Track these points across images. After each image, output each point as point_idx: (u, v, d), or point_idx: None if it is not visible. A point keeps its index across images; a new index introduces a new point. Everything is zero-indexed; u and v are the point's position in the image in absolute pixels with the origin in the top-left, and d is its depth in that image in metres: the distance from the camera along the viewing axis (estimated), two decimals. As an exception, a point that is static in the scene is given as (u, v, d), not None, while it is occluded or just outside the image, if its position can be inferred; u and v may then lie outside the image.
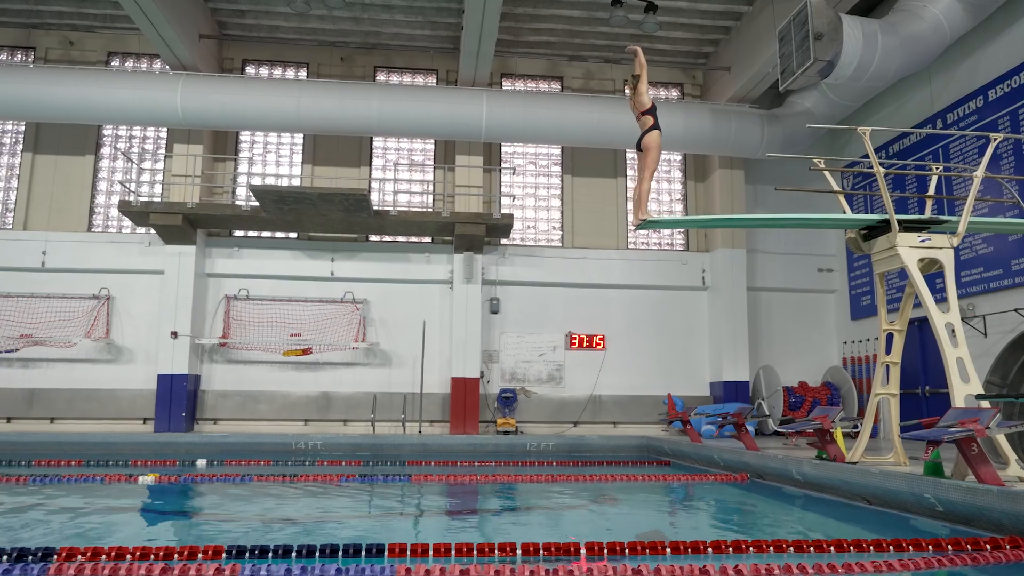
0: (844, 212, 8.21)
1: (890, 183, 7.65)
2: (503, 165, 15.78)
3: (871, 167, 7.23)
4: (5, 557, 3.90)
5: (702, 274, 15.53)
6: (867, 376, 14.11)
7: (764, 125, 14.04)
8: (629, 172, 16.14)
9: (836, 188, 8.01)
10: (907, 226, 7.09)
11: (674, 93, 16.48)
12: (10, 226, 14.66)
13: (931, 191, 8.05)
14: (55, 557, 3.94)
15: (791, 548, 4.51)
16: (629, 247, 15.85)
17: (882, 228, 7.27)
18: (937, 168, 9.70)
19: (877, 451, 8.22)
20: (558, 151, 16.05)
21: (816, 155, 8.17)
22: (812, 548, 4.52)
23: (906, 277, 7.08)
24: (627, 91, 7.15)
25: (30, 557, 3.92)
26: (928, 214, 7.57)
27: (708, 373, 15.37)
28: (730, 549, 4.47)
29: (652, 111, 7.09)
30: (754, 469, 8.66)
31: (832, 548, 4.53)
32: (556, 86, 16.19)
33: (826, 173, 7.99)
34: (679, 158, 16.39)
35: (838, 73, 10.88)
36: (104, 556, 4.00)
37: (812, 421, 7.74)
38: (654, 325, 15.40)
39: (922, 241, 7.03)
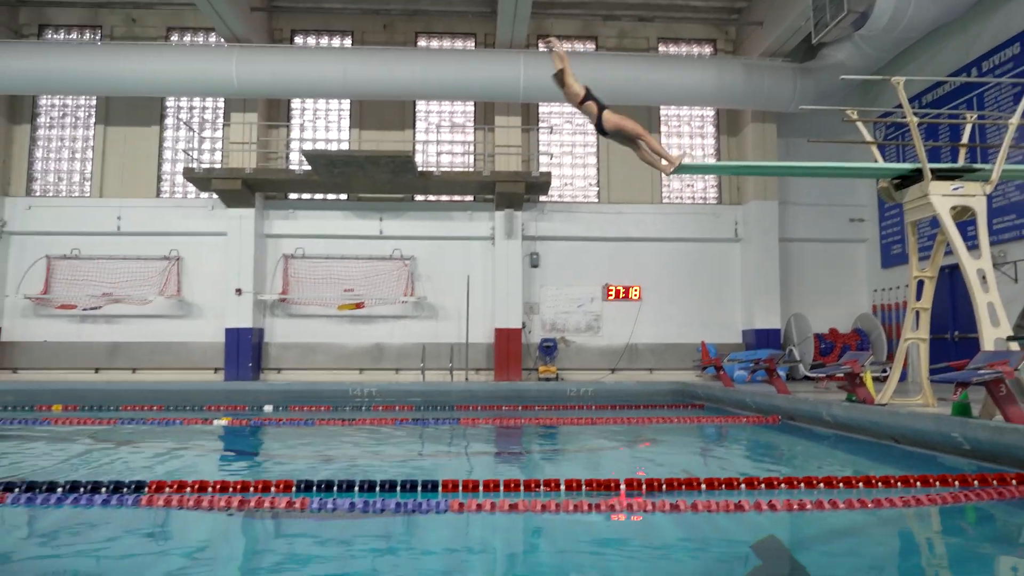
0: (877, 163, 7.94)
1: (923, 133, 7.35)
2: (540, 125, 15.59)
3: (904, 117, 6.95)
4: (104, 489, 4.14)
5: (735, 226, 15.26)
6: (896, 322, 13.82)
7: (796, 78, 13.56)
8: (663, 128, 15.80)
9: (869, 139, 7.73)
10: (940, 174, 6.83)
11: (707, 49, 15.97)
12: (88, 194, 15.10)
13: (964, 140, 7.71)
14: (146, 489, 4.16)
15: (821, 484, 4.51)
16: (663, 201, 15.63)
17: (914, 177, 7.02)
18: (971, 116, 9.27)
19: (905, 394, 8.08)
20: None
21: (849, 107, 7.86)
22: (841, 484, 4.52)
23: (938, 225, 6.86)
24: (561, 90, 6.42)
25: (125, 489, 4.14)
26: (961, 163, 7.27)
27: (740, 321, 15.22)
28: (763, 485, 4.49)
29: (589, 95, 6.42)
30: (785, 412, 8.62)
31: (861, 484, 4.52)
32: (591, 46, 15.83)
33: (859, 124, 7.69)
34: (711, 113, 15.97)
35: (872, 24, 10.41)
36: (188, 488, 4.20)
37: (842, 365, 7.63)
38: (688, 276, 15.25)
39: (954, 189, 6.77)
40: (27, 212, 14.73)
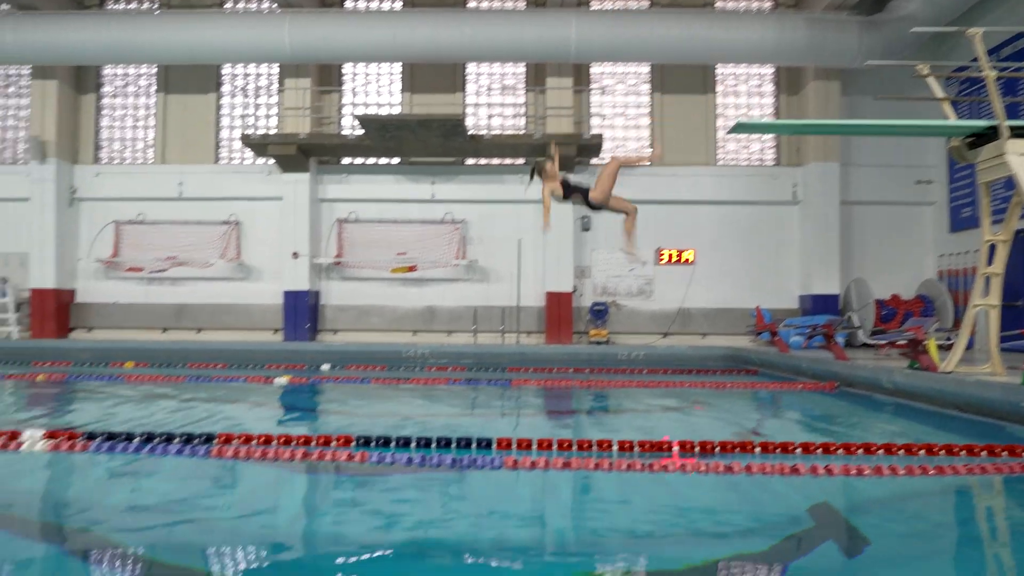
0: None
1: (1000, 88, 6.95)
2: (592, 86, 15.32)
3: (979, 72, 6.58)
4: (176, 440, 4.37)
5: (793, 188, 14.81)
6: (964, 289, 13.27)
7: (862, 33, 12.92)
8: (719, 88, 15.35)
9: (941, 95, 7.36)
10: (1017, 132, 6.47)
11: (767, 3, 15.35)
12: (152, 161, 15.59)
13: (1047, 94, 7.27)
14: (216, 440, 4.37)
15: (880, 451, 4.43)
16: (719, 163, 15.25)
17: (990, 135, 6.67)
18: (1055, 69, 8.72)
19: (971, 362, 7.81)
20: (647, 69, 15.40)
21: (920, 61, 7.48)
22: (902, 451, 4.42)
23: (1013, 187, 6.53)
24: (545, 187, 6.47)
25: (195, 440, 4.36)
26: (1042, 118, 6.87)
27: (797, 286, 14.86)
28: (819, 451, 4.43)
29: (565, 183, 6.56)
30: (843, 378, 8.43)
31: (923, 452, 4.42)
32: (644, 2, 15.38)
33: (930, 80, 7.34)
34: (770, 71, 15.40)
35: (947, -29, 9.80)
36: (254, 440, 4.40)
37: (905, 332, 7.43)
38: (743, 240, 14.93)
39: (1033, 147, 6.41)
40: (95, 179, 15.32)
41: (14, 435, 4.52)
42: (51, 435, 4.52)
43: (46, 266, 14.73)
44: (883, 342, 8.32)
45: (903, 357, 8.36)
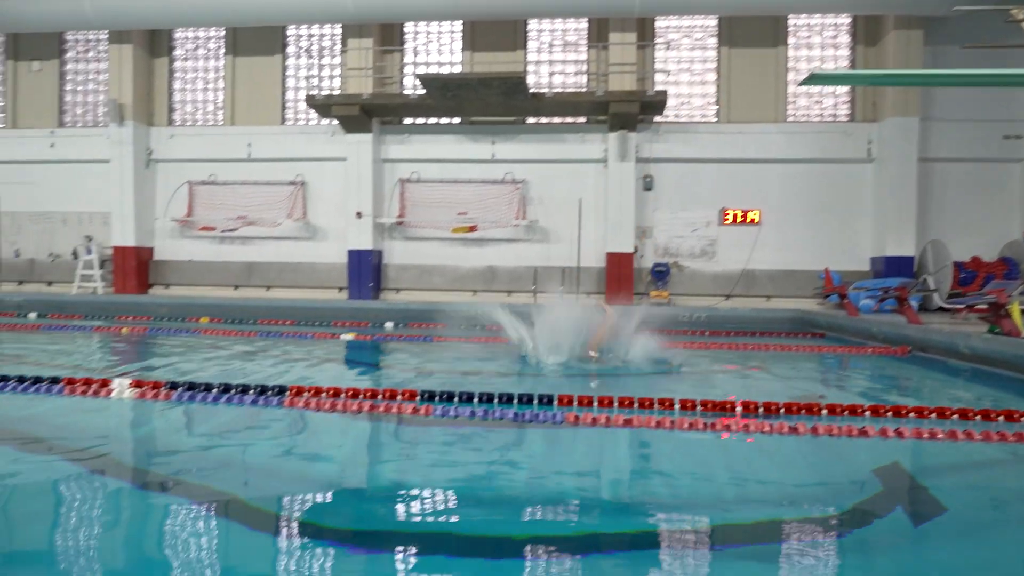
0: (1044, 68, 7.04)
1: (1106, 31, 6.41)
2: (657, 40, 14.86)
3: (1084, 14, 6.08)
4: (251, 391, 4.57)
5: (868, 145, 14.13)
6: (1053, 251, 12.51)
7: (951, -24, 12.06)
8: (790, 40, 14.67)
9: (1037, 41, 6.85)
10: (1123, 80, 5.98)
11: (846, -52, 14.46)
12: (221, 122, 16.02)
13: None
14: (287, 392, 4.55)
15: (955, 416, 4.28)
16: (788, 120, 14.66)
17: (1091, 84, 6.19)
18: None
19: (1059, 327, 7.39)
20: (714, 21, 14.83)
21: (1013, 6, 6.96)
22: (979, 417, 4.26)
23: (1116, 139, 6.05)
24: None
25: (269, 392, 4.56)
26: None
27: (869, 248, 14.29)
28: (889, 414, 4.31)
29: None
30: (916, 343, 8.12)
31: (1001, 418, 4.25)
32: (714, -49, 14.71)
33: (1025, 25, 6.83)
34: (847, 21, 14.60)
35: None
36: (324, 393, 4.56)
37: (986, 295, 7.08)
38: (812, 200, 14.40)
39: None
40: (170, 140, 15.86)
41: (104, 383, 4.82)
42: (137, 384, 4.80)
43: (126, 225, 15.44)
44: (961, 305, 7.96)
45: (982, 322, 7.98)
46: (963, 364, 7.06)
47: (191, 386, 4.69)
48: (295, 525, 2.46)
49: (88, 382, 4.82)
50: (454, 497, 2.86)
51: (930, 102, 13.92)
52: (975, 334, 7.02)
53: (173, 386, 4.71)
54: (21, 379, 4.85)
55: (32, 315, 11.54)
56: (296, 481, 3.07)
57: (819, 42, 14.75)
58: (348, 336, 9.03)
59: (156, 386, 4.73)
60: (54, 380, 4.84)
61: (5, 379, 4.86)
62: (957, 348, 7.22)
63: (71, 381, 4.82)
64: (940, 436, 3.81)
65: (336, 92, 15.47)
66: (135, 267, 15.44)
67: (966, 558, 2.35)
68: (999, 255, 13.55)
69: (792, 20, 14.62)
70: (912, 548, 2.42)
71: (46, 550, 2.27)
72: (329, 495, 2.91)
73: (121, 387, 4.73)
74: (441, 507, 2.74)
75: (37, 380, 4.83)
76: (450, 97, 13.60)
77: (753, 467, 3.45)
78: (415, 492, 2.93)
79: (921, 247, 13.74)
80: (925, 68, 13.55)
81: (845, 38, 14.69)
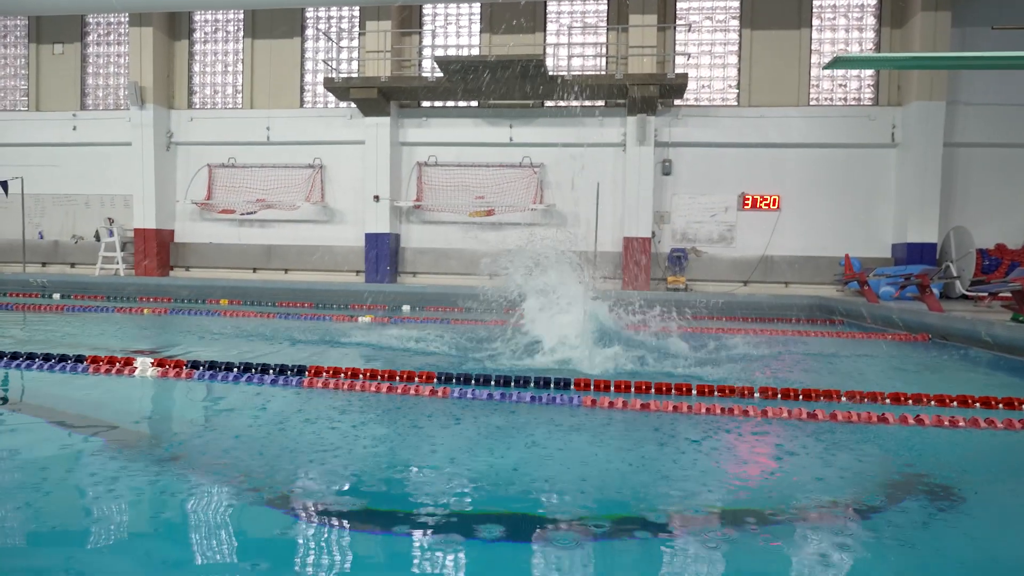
0: (1076, 51, 6.86)
1: None
2: (678, 22, 14.67)
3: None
4: (272, 371, 4.62)
5: (892, 130, 13.90)
6: (1080, 238, 12.27)
7: (981, -44, 11.78)
8: (815, 22, 14.41)
9: (1069, 23, 6.67)
10: None
11: (873, -73, 14.16)
12: (240, 106, 16.08)
13: None
14: (307, 373, 4.60)
15: (977, 404, 4.23)
16: (811, 103, 14.45)
17: (1125, 67, 6.03)
18: None
19: (1085, 315, 7.26)
20: (736, 3, 14.60)
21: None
22: (1001, 405, 4.21)
23: None
24: None
25: (289, 372, 4.61)
26: None
27: (891, 234, 14.10)
28: (909, 401, 4.27)
29: None
30: (937, 330, 8.02)
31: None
32: (737, -69, 14.47)
33: (1058, 5, 6.65)
34: (873, 2, 14.31)
35: None
36: (342, 374, 4.60)
37: (1010, 283, 6.96)
38: (834, 185, 14.21)
39: None
40: (189, 123, 15.96)
41: (128, 362, 4.89)
42: (160, 363, 4.87)
43: (147, 207, 15.59)
44: (984, 293, 7.84)
45: (1006, 309, 7.87)
46: (985, 352, 6.97)
47: (212, 365, 4.75)
48: (311, 505, 2.49)
49: (112, 360, 4.89)
50: (462, 480, 2.87)
51: (957, 85, 13.65)
52: (998, 322, 6.92)
53: (194, 365, 4.77)
54: (47, 357, 4.93)
55: (56, 296, 11.71)
56: (309, 460, 3.10)
57: (844, 24, 14.49)
58: (366, 318, 9.08)
59: (178, 365, 4.80)
60: (79, 359, 4.92)
61: (32, 356, 4.94)
62: (979, 335, 7.12)
63: (96, 360, 4.90)
64: (961, 424, 3.77)
65: (354, 75, 15.46)
66: (156, 249, 15.61)
67: (983, 549, 2.33)
68: (1024, 242, 13.33)
69: (816, 1, 14.38)
70: (929, 539, 2.40)
71: (69, 526, 2.32)
72: (342, 474, 2.94)
73: (144, 366, 4.80)
74: (449, 489, 2.76)
75: (63, 358, 4.92)
76: (468, 80, 13.54)
77: (770, 453, 3.43)
78: (425, 473, 2.96)
79: (944, 234, 13.53)
80: (953, 51, 13.27)
81: (871, 20, 14.41)
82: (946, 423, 3.79)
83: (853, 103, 14.46)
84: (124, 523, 2.33)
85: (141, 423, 3.80)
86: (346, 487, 2.74)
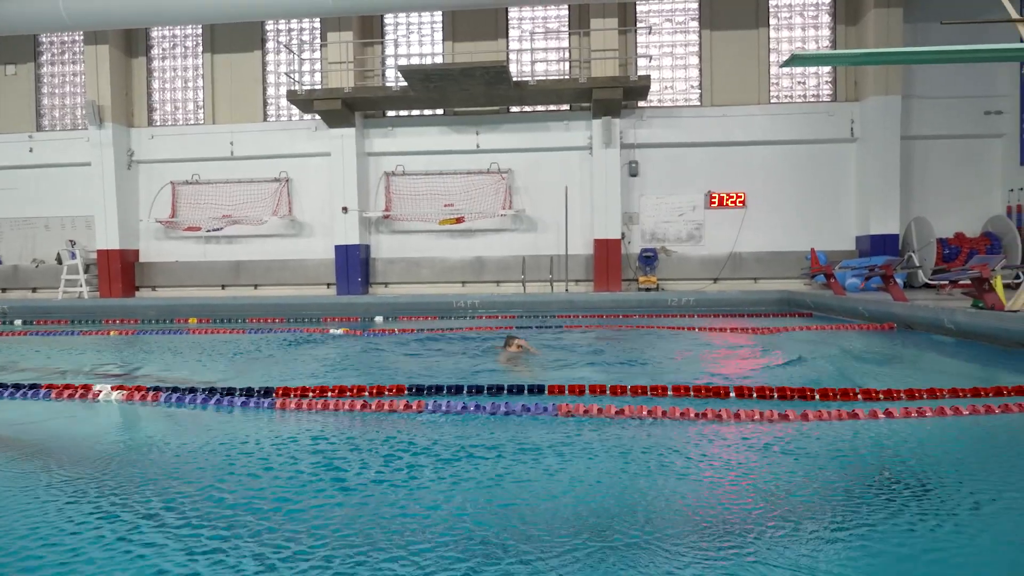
0: None
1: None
2: (639, 25, 14.77)
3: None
4: (238, 393, 4.50)
5: (851, 125, 14.14)
6: (1034, 224, 12.58)
7: (929, -48, 12.05)
8: (772, 21, 14.61)
9: (1015, 15, 6.83)
10: (1102, 52, 5.98)
11: (824, -73, 14.40)
12: (203, 121, 15.81)
13: None
14: (275, 394, 4.48)
15: (946, 395, 4.27)
16: (772, 101, 14.64)
17: (1070, 57, 6.18)
18: None
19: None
20: (695, 4, 14.75)
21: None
22: (968, 395, 4.26)
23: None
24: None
25: (256, 393, 4.49)
26: None
27: (854, 227, 14.33)
28: (880, 396, 4.30)
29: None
30: (902, 319, 8.15)
31: (990, 394, 4.25)
32: (693, -66, 14.62)
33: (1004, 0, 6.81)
34: (827, 0, 14.55)
35: None
36: (311, 393, 4.50)
37: (969, 270, 7.09)
38: (797, 180, 14.41)
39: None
40: (151, 141, 15.64)
41: (87, 388, 4.73)
42: (122, 388, 4.72)
43: (110, 228, 15.24)
44: (945, 281, 7.98)
45: (967, 296, 8.01)
46: (948, 339, 7.09)
47: (176, 389, 4.61)
48: (269, 535, 2.41)
49: (74, 387, 4.73)
50: (441, 501, 2.81)
51: (911, 80, 13.94)
52: (959, 309, 7.04)
53: (157, 389, 4.63)
54: (3, 385, 4.75)
55: (18, 322, 11.38)
56: (278, 483, 3.00)
57: (800, 22, 14.71)
58: (338, 331, 8.95)
59: (141, 389, 4.65)
60: (37, 386, 4.75)
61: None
62: (942, 323, 7.24)
63: (57, 386, 4.74)
64: (929, 414, 3.80)
65: (317, 87, 15.30)
66: (120, 270, 15.26)
67: (960, 541, 2.33)
68: (982, 230, 13.63)
69: (773, 1, 14.58)
70: (906, 534, 2.39)
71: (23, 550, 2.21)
72: (313, 499, 2.85)
73: (106, 391, 4.65)
74: (427, 510, 2.69)
75: (17, 387, 4.74)
76: (432, 88, 13.47)
77: (747, 453, 3.41)
78: (398, 493, 2.88)
79: (905, 225, 13.79)
80: (906, 45, 13.54)
81: (826, 18, 14.66)
82: (914, 414, 3.81)
83: (812, 99, 14.68)
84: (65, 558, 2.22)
85: (98, 450, 3.66)
86: (309, 511, 2.65)
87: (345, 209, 14.62)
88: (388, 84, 15.26)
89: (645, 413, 3.91)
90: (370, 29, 15.28)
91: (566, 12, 14.92)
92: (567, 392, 4.41)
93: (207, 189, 15.40)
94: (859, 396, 4.25)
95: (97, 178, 15.21)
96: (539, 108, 15.00)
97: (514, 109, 15.04)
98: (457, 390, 4.53)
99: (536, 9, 14.93)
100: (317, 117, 14.77)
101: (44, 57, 16.27)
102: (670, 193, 14.67)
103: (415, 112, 15.17)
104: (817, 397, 4.26)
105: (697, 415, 3.87)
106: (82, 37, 15.45)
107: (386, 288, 15.23)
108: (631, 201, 14.68)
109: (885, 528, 2.38)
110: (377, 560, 2.18)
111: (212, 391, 4.54)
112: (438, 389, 4.54)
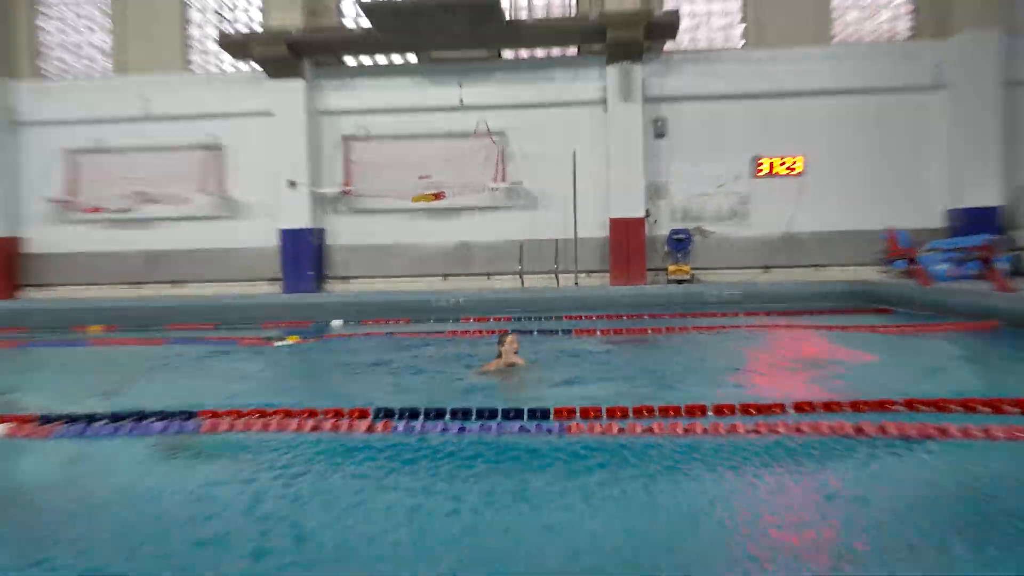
0: None
1: None
2: (665, -56, 14.76)
3: None
4: (150, 419, 4.47)
5: (936, 68, 14.13)
6: None
7: None
8: (835, -63, 14.62)
9: None
10: None
11: None
12: (109, 72, 15.72)
13: None
14: (197, 417, 4.45)
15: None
16: (834, 40, 14.65)
17: None
18: None
19: None
20: (737, -82, 14.76)
21: None
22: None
23: None
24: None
25: (174, 418, 4.46)
26: None
27: (943, 199, 14.33)
28: (977, 408, 4.28)
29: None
30: (1006, 315, 8.15)
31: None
32: None
33: None
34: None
35: None
36: (245, 417, 4.46)
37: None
38: (868, 140, 14.41)
39: None
40: (40, 97, 15.53)
41: (-38, 415, 4.67)
42: (1, 420, 4.66)
43: (-11, 210, 15.19)
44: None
45: (1090, 285, 8.00)
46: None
47: (71, 419, 4.56)
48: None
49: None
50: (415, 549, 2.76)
51: (1016, 8, 13.92)
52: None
53: (47, 420, 4.58)
54: None
55: None
56: (203, 535, 2.96)
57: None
58: (285, 341, 8.90)
59: (25, 421, 4.60)
60: None
61: None
62: (1060, 320, 7.23)
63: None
64: (1046, 433, 3.78)
65: (256, 28, 15.23)
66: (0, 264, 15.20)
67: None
68: (1106, 201, 13.66)
69: (835, -89, 14.60)
70: None
71: None
72: (259, 550, 2.81)
73: (-16, 420, 4.59)
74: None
75: None
76: (403, 29, 13.43)
77: (811, 480, 3.38)
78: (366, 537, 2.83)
79: (1010, 195, 13.81)
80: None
81: (903, -68, 14.66)
82: (1020, 436, 3.80)
83: (887, 37, 14.69)
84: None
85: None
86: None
87: (292, 183, 14.56)
88: (346, 23, 15.20)
89: (681, 431, 3.87)
90: (321, -48, 15.22)
91: (572, -72, 14.90)
92: (578, 415, 4.36)
93: (114, 159, 15.29)
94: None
95: (-30, 146, 15.15)
96: (539, 53, 14.95)
97: (507, 55, 14.99)
98: (438, 414, 4.49)
99: (534, -75, 14.89)
100: (256, 66, 14.70)
101: (-98, -8, 16.15)
102: (707, 159, 14.64)
103: (381, 59, 15.12)
104: (902, 409, 4.23)
105: (748, 431, 3.83)
106: (-50, -34, 15.37)
107: (346, 284, 15.17)
108: (657, 170, 14.65)
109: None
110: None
111: (120, 417, 4.49)
112: (412, 413, 4.50)
